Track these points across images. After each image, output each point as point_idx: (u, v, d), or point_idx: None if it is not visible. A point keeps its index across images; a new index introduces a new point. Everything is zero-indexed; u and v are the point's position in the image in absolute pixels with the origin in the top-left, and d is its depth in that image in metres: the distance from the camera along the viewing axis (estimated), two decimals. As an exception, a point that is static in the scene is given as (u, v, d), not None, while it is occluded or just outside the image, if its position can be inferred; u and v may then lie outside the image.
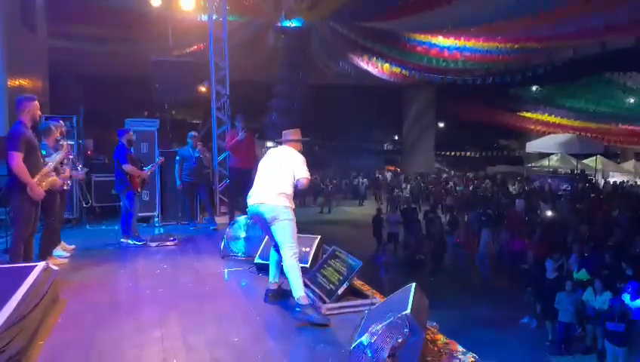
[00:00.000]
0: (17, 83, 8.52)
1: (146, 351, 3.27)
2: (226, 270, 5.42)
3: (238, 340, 3.44)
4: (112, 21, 14.47)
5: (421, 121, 31.33)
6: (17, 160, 4.48)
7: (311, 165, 4.29)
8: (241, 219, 6.10)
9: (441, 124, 36.66)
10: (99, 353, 3.25)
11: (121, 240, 6.70)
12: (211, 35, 9.32)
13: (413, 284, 3.22)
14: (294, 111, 21.62)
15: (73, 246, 6.16)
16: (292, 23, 19.30)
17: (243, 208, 7.71)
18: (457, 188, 23.70)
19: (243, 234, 5.91)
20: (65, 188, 5.73)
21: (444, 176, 30.74)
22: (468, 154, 37.74)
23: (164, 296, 4.50)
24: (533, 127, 30.63)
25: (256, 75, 22.23)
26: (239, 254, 5.85)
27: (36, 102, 4.82)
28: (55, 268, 5.03)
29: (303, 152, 4.35)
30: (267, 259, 5.09)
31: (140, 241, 6.63)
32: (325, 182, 24.89)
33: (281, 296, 4.22)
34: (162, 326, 3.70)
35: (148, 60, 9.77)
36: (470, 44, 17.31)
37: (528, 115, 30.23)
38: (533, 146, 27.88)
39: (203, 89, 13.09)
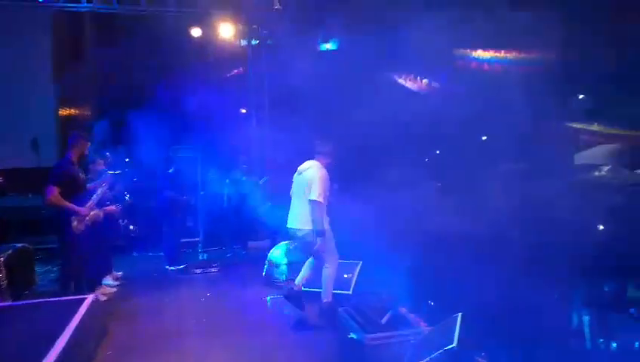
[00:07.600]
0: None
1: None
2: (268, 297, 5.42)
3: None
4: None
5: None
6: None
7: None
8: (282, 244, 6.11)
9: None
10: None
11: (166, 267, 6.84)
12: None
13: (460, 314, 3.11)
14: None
15: (120, 273, 6.32)
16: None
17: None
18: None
19: (285, 261, 5.91)
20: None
21: None
22: None
23: (209, 326, 4.54)
24: None
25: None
26: (281, 280, 5.83)
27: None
28: (104, 298, 5.19)
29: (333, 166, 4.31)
30: (309, 286, 5.09)
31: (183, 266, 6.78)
32: None
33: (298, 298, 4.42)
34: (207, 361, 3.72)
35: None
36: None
37: None
38: None
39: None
